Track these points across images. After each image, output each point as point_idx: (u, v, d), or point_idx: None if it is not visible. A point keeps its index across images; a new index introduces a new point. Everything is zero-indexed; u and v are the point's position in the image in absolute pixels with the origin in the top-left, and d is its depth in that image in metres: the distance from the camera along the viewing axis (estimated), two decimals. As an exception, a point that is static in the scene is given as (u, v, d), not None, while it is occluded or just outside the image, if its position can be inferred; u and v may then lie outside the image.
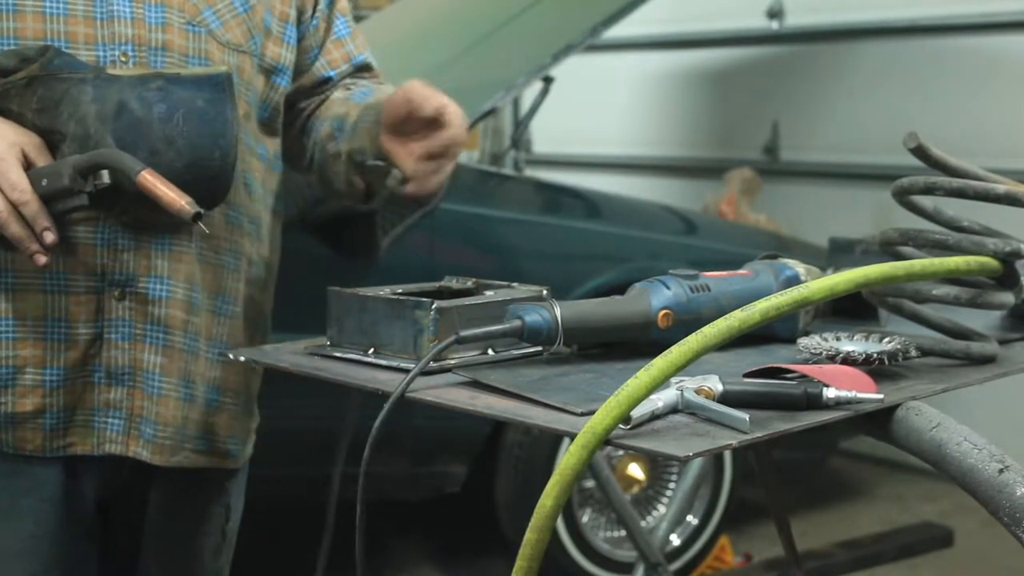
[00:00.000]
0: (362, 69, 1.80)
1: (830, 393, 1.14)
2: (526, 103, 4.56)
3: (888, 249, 1.39)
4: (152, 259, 1.55)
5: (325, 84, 1.77)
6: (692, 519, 3.60)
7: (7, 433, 1.54)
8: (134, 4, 1.53)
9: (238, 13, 1.60)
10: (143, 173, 1.40)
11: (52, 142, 1.46)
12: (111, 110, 1.44)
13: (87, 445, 1.56)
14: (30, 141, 1.44)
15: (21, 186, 1.40)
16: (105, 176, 1.42)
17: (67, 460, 1.57)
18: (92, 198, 1.43)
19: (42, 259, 1.43)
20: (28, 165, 1.43)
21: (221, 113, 1.49)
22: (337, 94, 1.76)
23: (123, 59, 1.52)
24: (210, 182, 1.48)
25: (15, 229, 1.41)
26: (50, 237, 1.42)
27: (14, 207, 1.41)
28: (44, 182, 1.42)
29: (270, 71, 1.66)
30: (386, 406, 1.20)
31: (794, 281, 1.42)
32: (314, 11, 1.73)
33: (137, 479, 1.63)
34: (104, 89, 1.45)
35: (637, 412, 1.06)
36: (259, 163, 1.67)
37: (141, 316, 1.55)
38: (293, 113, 1.76)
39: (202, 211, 1.41)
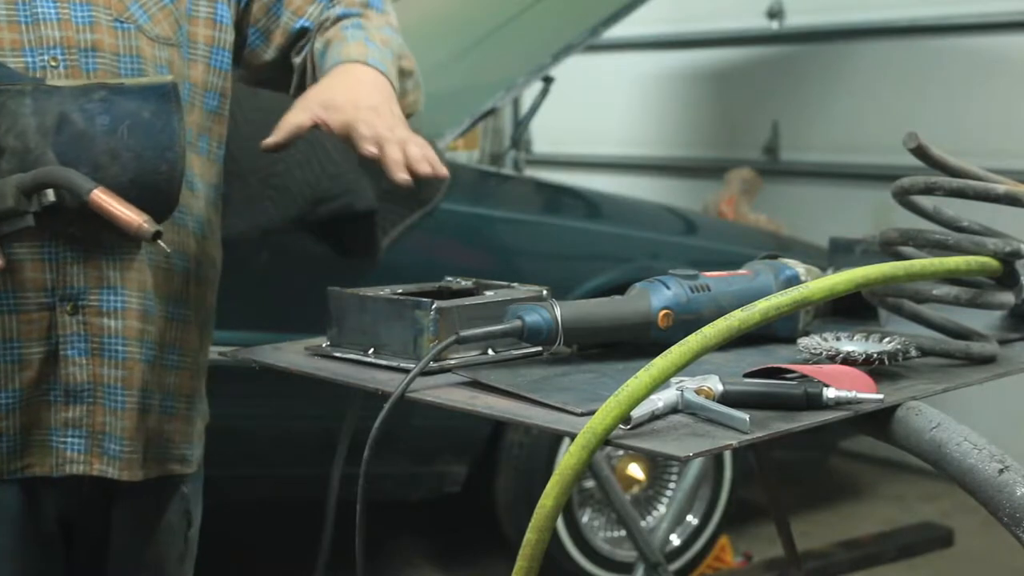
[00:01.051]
0: None
1: (830, 393, 1.14)
2: (526, 103, 4.56)
3: (888, 249, 1.39)
4: (103, 270, 1.49)
5: (303, 35, 1.69)
6: (692, 519, 3.60)
7: None
8: (59, 4, 1.47)
9: (165, 5, 1.55)
10: (95, 192, 1.35)
11: None
12: (52, 123, 1.39)
13: (45, 466, 1.52)
14: None
15: None
16: (50, 194, 1.36)
17: (25, 480, 1.52)
18: (37, 217, 1.37)
19: None
20: None
21: (168, 124, 1.43)
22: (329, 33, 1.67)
23: (53, 64, 1.46)
24: (157, 196, 1.42)
25: None
26: None
27: None
28: None
29: (206, 57, 1.60)
30: (386, 406, 1.19)
31: (794, 281, 1.42)
32: None
33: (96, 494, 1.58)
34: (44, 101, 1.39)
35: (637, 412, 1.06)
36: (199, 158, 1.61)
37: (97, 330, 1.50)
38: (290, 70, 1.70)
39: (161, 229, 1.36)
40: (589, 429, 1.03)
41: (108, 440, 1.52)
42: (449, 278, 1.53)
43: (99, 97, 1.41)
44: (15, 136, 1.38)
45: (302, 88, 1.68)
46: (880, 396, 1.15)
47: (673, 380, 1.12)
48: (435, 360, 1.26)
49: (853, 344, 1.29)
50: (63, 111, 1.39)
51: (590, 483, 3.36)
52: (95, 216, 1.37)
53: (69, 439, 1.51)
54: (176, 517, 1.69)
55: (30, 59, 1.45)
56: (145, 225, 1.35)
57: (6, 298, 1.45)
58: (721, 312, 1.16)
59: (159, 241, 1.37)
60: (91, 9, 1.49)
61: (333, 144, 2.78)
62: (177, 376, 1.61)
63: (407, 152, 1.49)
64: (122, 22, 1.51)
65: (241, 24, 1.68)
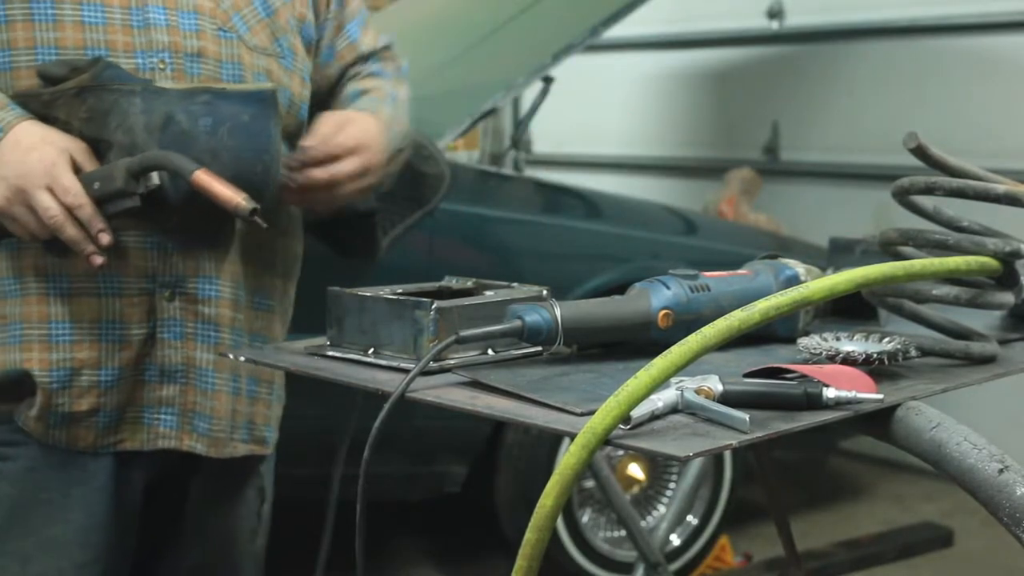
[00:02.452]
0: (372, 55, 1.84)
1: (830, 393, 1.14)
2: (526, 103, 4.56)
3: (888, 249, 1.39)
4: (200, 260, 1.60)
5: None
6: (692, 519, 3.60)
7: (60, 431, 1.58)
8: (168, 11, 1.57)
9: (261, 18, 1.65)
10: (198, 172, 1.44)
11: (98, 151, 1.49)
12: (158, 122, 1.48)
13: (136, 441, 1.62)
14: (78, 147, 1.48)
15: (74, 190, 1.44)
16: (155, 177, 1.45)
17: (117, 453, 1.62)
18: (144, 200, 1.46)
19: (98, 260, 1.47)
20: (77, 170, 1.47)
21: (265, 128, 1.52)
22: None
23: (161, 66, 1.55)
24: (253, 194, 1.50)
25: (71, 232, 1.45)
26: (105, 239, 1.46)
27: (69, 211, 1.44)
28: (96, 185, 1.45)
29: (300, 70, 1.71)
30: (386, 406, 1.19)
31: (794, 281, 1.42)
32: (327, 14, 1.78)
33: (180, 469, 1.69)
34: (152, 101, 1.48)
35: (637, 412, 1.06)
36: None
37: (192, 316, 1.60)
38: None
39: (257, 206, 1.45)
40: (589, 429, 1.03)
41: (198, 419, 1.63)
42: (449, 278, 1.53)
43: (203, 100, 1.50)
44: (124, 132, 1.48)
45: None
46: (880, 396, 1.15)
47: (673, 380, 1.12)
48: (435, 360, 1.26)
49: (853, 344, 1.29)
50: (169, 111, 1.49)
51: (590, 483, 3.35)
52: (196, 209, 1.48)
53: (162, 416, 1.62)
54: (252, 492, 1.79)
55: (140, 61, 1.55)
56: (243, 203, 1.44)
57: (111, 281, 1.56)
58: (721, 312, 1.15)
59: (256, 218, 1.45)
60: (197, 18, 1.59)
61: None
62: None
63: None
64: (225, 31, 1.61)
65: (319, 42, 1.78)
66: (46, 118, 1.49)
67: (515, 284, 1.47)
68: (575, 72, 4.46)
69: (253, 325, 1.68)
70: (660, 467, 3.63)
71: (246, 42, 1.63)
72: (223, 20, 1.61)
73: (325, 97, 1.80)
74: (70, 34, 1.53)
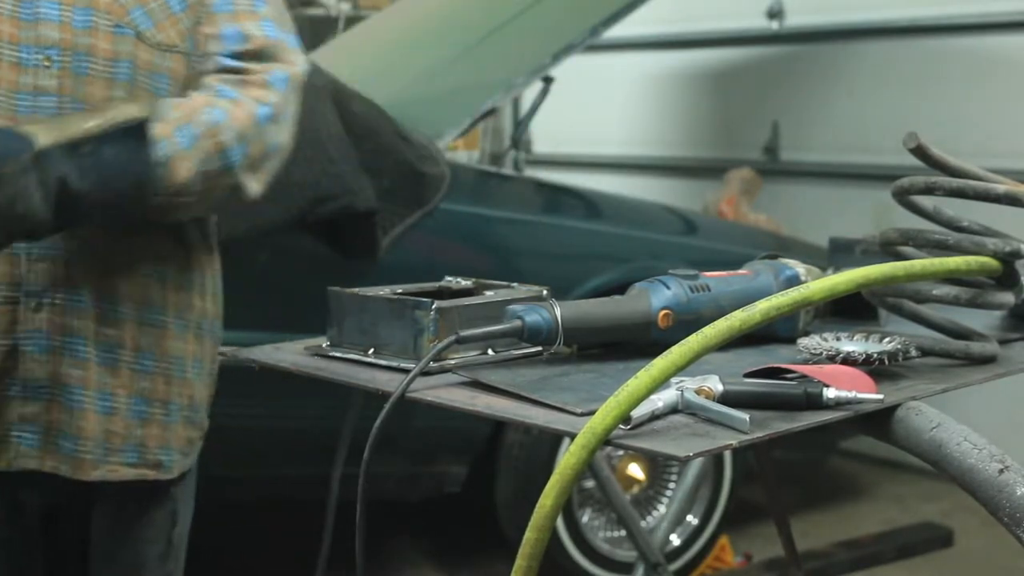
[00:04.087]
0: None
1: (830, 393, 1.14)
2: (526, 103, 4.56)
3: (888, 249, 1.39)
4: (69, 269, 1.51)
5: None
6: (692, 519, 3.60)
7: None
8: (62, 7, 1.49)
9: (173, 12, 1.54)
10: None
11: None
12: (54, 193, 1.39)
13: (3, 461, 1.53)
14: None
15: None
16: None
17: (6, 475, 1.54)
18: None
19: None
20: None
21: (141, 159, 1.44)
22: None
23: (46, 63, 1.47)
24: (132, 206, 1.46)
25: None
26: None
27: None
28: None
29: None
30: (386, 406, 1.19)
31: (794, 281, 1.42)
32: None
33: (81, 490, 1.59)
34: (46, 172, 1.38)
35: (637, 412, 1.06)
36: None
37: (59, 329, 1.51)
38: None
39: None
40: (589, 429, 1.03)
41: (62, 438, 1.54)
42: (449, 278, 1.53)
43: (87, 152, 1.41)
44: (28, 217, 1.38)
45: None
46: (880, 396, 1.15)
47: (673, 380, 1.12)
48: (435, 360, 1.26)
49: (853, 344, 1.29)
50: (61, 175, 1.39)
51: (590, 483, 3.35)
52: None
53: (25, 434, 1.53)
54: (161, 515, 1.68)
55: (25, 55, 1.48)
56: None
57: None
58: (721, 312, 1.16)
59: None
60: (92, 13, 1.50)
61: (333, 144, 2.79)
62: (151, 381, 1.59)
63: None
64: (121, 27, 1.51)
65: None
66: None
67: (515, 284, 1.47)
68: (575, 72, 4.46)
69: (141, 341, 1.57)
70: (660, 467, 3.63)
71: (146, 39, 1.51)
72: (119, 15, 1.50)
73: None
74: None
